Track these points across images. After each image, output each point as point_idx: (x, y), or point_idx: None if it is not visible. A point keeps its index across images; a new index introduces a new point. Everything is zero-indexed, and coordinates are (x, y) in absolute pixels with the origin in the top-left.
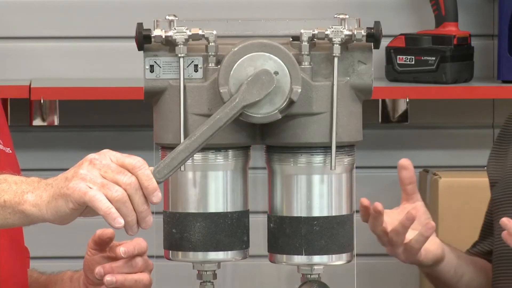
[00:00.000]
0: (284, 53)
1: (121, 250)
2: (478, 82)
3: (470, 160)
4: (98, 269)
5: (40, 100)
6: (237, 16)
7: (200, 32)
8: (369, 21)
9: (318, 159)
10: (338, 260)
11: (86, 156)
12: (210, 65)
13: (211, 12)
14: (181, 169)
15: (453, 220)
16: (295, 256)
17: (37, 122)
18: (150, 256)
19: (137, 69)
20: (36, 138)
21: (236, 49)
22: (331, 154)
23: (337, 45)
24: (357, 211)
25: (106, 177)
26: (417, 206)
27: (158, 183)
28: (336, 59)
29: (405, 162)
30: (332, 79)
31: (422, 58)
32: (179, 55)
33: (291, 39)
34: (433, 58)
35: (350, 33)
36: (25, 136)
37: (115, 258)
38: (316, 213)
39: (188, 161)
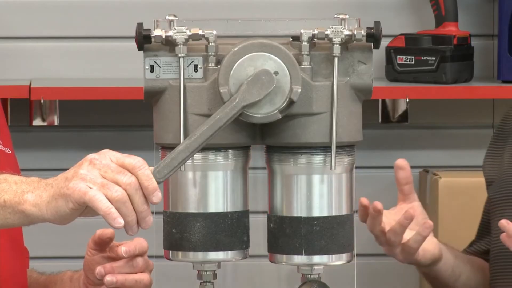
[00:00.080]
0: (284, 53)
1: (123, 249)
2: (478, 82)
3: (470, 160)
4: (99, 269)
5: (40, 100)
6: (237, 16)
7: (200, 32)
8: (369, 21)
9: (318, 159)
10: (338, 260)
11: (86, 156)
12: (210, 65)
13: (211, 12)
14: (181, 169)
15: (453, 220)
16: (295, 256)
17: (37, 122)
18: (150, 256)
19: (137, 69)
20: (36, 138)
21: (236, 49)
22: (331, 154)
23: (337, 45)
24: (356, 211)
25: (106, 177)
26: (414, 206)
27: (158, 183)
28: (336, 59)
29: (401, 162)
30: (332, 79)
31: (422, 58)
32: (179, 55)
33: (291, 39)
34: (433, 58)
35: (350, 33)
36: (25, 136)
37: (115, 258)
38: (316, 213)
39: (188, 161)
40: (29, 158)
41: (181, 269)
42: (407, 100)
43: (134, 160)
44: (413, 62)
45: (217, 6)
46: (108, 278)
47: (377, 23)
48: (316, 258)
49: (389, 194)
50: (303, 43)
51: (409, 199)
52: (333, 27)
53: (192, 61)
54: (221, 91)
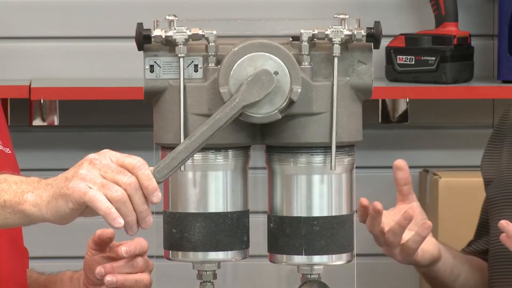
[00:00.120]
0: (284, 53)
1: (123, 249)
2: (478, 82)
3: (470, 160)
4: (99, 269)
5: (40, 100)
6: (237, 16)
7: (200, 32)
8: (369, 21)
9: (318, 159)
10: (338, 260)
11: (86, 156)
12: (210, 65)
13: (211, 12)
14: (181, 169)
15: (453, 220)
16: (295, 256)
17: (37, 122)
18: (150, 256)
19: (137, 69)
20: (36, 138)
21: (236, 49)
22: (331, 154)
23: (337, 45)
24: (356, 211)
25: (106, 177)
26: (413, 207)
27: (158, 183)
28: (336, 59)
29: (400, 163)
30: (332, 79)
31: (422, 58)
32: (179, 55)
33: (291, 39)
34: (433, 58)
35: (350, 33)
36: (25, 136)
37: (115, 258)
38: (316, 213)
39: (188, 161)
40: (29, 158)
41: (181, 269)
42: (407, 100)
43: (134, 160)
44: (413, 62)
45: (217, 6)
46: (108, 278)
47: (377, 23)
48: (316, 258)
49: (389, 194)
50: (303, 43)
51: (408, 200)
52: (333, 27)
53: (192, 61)
54: (221, 91)
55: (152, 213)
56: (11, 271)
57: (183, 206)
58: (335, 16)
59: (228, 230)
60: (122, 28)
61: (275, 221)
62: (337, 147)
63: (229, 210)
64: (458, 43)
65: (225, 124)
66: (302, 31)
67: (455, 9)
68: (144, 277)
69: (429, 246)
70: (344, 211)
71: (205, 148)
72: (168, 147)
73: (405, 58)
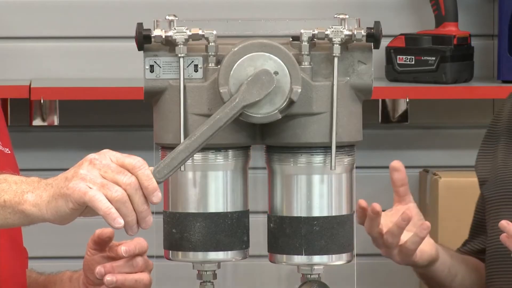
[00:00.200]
0: (284, 53)
1: (123, 249)
2: (478, 82)
3: (470, 160)
4: (99, 269)
5: (40, 100)
6: (237, 16)
7: (200, 32)
8: (369, 21)
9: (318, 159)
10: (338, 260)
11: (86, 156)
12: (210, 65)
13: (211, 12)
14: (181, 169)
15: (453, 220)
16: (295, 256)
17: (37, 122)
18: (150, 256)
19: (137, 69)
20: (36, 138)
21: (236, 49)
22: (331, 154)
23: (337, 45)
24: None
25: (106, 177)
26: (410, 207)
27: (158, 183)
28: (336, 59)
29: (396, 164)
30: (332, 79)
31: (422, 58)
32: (179, 55)
33: (291, 39)
34: (433, 58)
35: (350, 33)
36: (25, 136)
37: (115, 258)
38: (316, 213)
39: (188, 161)
40: (29, 158)
41: (181, 269)
42: (407, 100)
43: (134, 160)
44: (413, 62)
45: (217, 6)
46: (108, 278)
47: (377, 23)
48: (316, 258)
49: (389, 194)
50: (303, 43)
51: (405, 201)
52: (333, 27)
53: (192, 61)
54: (221, 91)
55: (152, 213)
56: (10, 271)
57: (183, 206)
58: (335, 16)
59: (228, 230)
60: (122, 28)
61: (275, 221)
62: (337, 147)
63: (229, 210)
64: (458, 43)
65: (225, 124)
66: (302, 31)
67: (455, 9)
68: (143, 276)
69: (427, 247)
70: (344, 211)
71: (205, 148)
72: (168, 147)
73: (405, 58)
